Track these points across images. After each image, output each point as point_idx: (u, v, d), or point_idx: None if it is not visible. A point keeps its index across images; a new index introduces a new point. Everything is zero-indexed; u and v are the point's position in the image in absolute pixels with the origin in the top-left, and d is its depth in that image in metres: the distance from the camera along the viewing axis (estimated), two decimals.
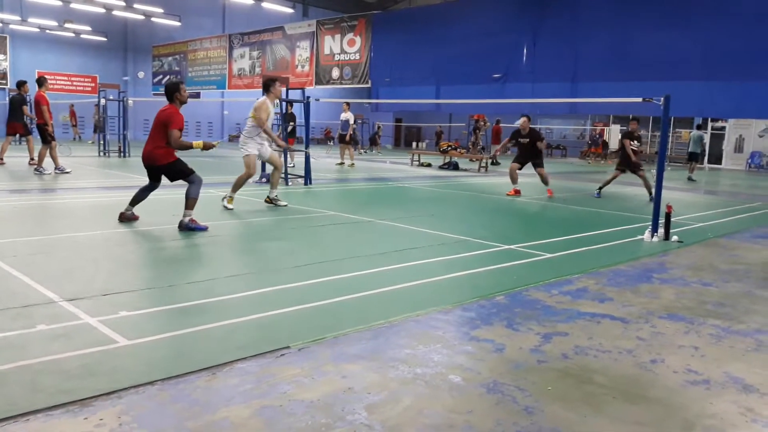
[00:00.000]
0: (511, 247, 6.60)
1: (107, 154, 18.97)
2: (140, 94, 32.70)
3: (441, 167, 20.17)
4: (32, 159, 13.23)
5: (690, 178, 18.58)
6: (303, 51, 23.54)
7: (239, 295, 4.39)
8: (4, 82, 31.87)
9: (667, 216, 7.34)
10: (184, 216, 6.94)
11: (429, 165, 21.05)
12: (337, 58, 22.10)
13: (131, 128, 19.96)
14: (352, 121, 19.56)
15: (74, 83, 33.18)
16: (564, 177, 18.27)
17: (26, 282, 4.46)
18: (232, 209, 8.53)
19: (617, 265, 5.93)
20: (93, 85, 32.81)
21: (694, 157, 19.48)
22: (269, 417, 2.59)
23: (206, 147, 7.21)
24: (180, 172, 7.18)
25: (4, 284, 4.41)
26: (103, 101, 19.27)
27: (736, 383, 3.15)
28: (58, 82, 32.47)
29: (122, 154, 19.23)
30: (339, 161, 20.01)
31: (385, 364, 3.22)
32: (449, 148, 21.20)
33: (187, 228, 6.86)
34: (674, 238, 7.30)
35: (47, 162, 13.16)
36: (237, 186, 8.86)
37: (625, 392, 2.99)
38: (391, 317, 3.97)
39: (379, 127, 35.18)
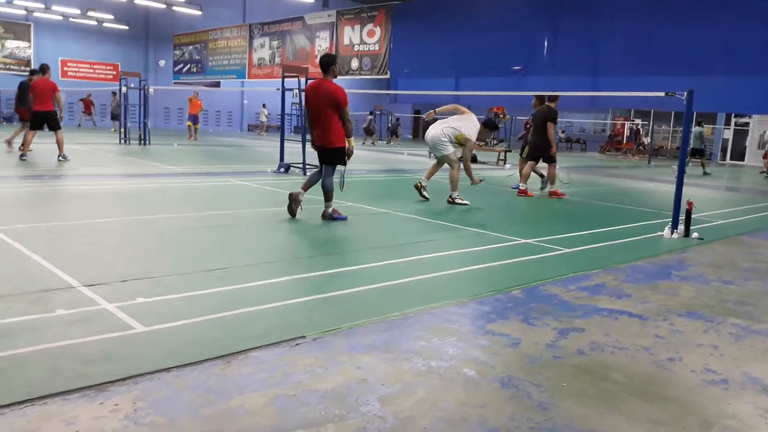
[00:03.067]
0: (528, 241, 6.55)
1: (128, 142, 19.14)
2: (161, 82, 32.95)
3: (459, 159, 20.06)
4: (60, 153, 13.20)
5: (705, 173, 18.45)
6: (323, 41, 23.51)
7: (255, 283, 4.41)
8: (28, 69, 32.22)
9: (688, 212, 7.24)
10: (327, 207, 7.20)
11: None
12: (356, 48, 22.06)
13: (152, 116, 20.07)
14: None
15: (96, 71, 33.49)
16: (583, 171, 18.10)
17: (46, 266, 4.51)
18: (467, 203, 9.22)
19: (636, 262, 5.87)
20: (114, 73, 33.06)
21: (699, 153, 19.27)
22: (283, 406, 2.60)
23: (349, 153, 7.23)
24: (343, 157, 7.17)
25: (24, 268, 4.47)
26: (124, 89, 19.41)
27: (756, 384, 3.10)
28: (80, 69, 32.84)
29: (143, 142, 19.39)
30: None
31: (400, 356, 3.21)
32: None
33: (331, 218, 7.15)
34: (694, 235, 7.20)
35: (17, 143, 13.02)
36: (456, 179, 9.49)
37: (642, 390, 2.96)
38: (406, 309, 3.96)
39: (397, 119, 35.05)
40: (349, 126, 7.11)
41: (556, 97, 11.15)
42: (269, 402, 2.63)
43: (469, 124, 9.42)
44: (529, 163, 11.21)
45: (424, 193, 9.43)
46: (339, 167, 7.33)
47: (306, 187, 7.33)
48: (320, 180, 7.24)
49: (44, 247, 5.12)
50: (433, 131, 9.47)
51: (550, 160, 10.98)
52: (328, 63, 7.14)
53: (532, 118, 11.31)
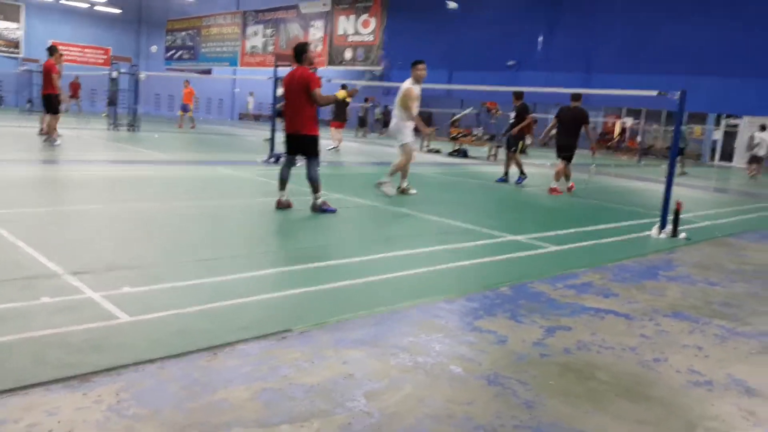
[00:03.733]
0: (518, 237, 6.56)
1: (117, 128, 18.98)
2: (152, 68, 32.66)
3: (450, 154, 20.08)
4: (42, 129, 13.12)
5: (684, 172, 18.59)
6: (317, 30, 23.41)
7: (243, 275, 4.39)
8: (17, 50, 31.90)
9: (676, 213, 7.27)
10: (316, 198, 7.09)
11: (438, 151, 20.96)
12: (350, 38, 21.98)
13: (142, 102, 19.92)
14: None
15: (87, 55, 33.19)
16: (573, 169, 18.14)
17: (31, 253, 4.47)
18: (393, 194, 8.70)
19: (623, 261, 5.89)
20: (105, 57, 32.79)
21: (680, 152, 19.36)
22: (269, 400, 2.58)
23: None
24: (316, 147, 7.11)
25: (9, 255, 4.42)
26: (114, 74, 19.23)
27: (739, 386, 3.12)
28: (71, 52, 32.48)
29: (132, 128, 19.23)
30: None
31: (387, 351, 3.21)
32: (459, 136, 21.08)
33: (321, 210, 7.05)
34: (682, 235, 7.24)
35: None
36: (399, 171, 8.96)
37: (628, 390, 2.97)
38: (394, 304, 3.96)
39: (386, 108, 34.77)
40: (325, 101, 7.00)
41: (580, 95, 11.11)
42: (254, 395, 2.62)
43: (400, 92, 8.92)
44: (562, 163, 11.17)
45: (411, 191, 9.25)
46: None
47: (282, 186, 7.19)
48: (305, 172, 7.12)
49: (30, 234, 5.06)
50: (392, 121, 9.24)
51: (569, 159, 11.10)
52: (300, 51, 7.08)
53: (560, 118, 11.27)
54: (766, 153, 19.06)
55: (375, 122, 34.58)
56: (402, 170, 9.04)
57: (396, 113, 8.87)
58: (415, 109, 8.77)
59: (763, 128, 19.35)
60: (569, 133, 11.06)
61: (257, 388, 2.68)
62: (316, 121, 7.11)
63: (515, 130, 12.27)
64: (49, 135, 12.93)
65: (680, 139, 19.27)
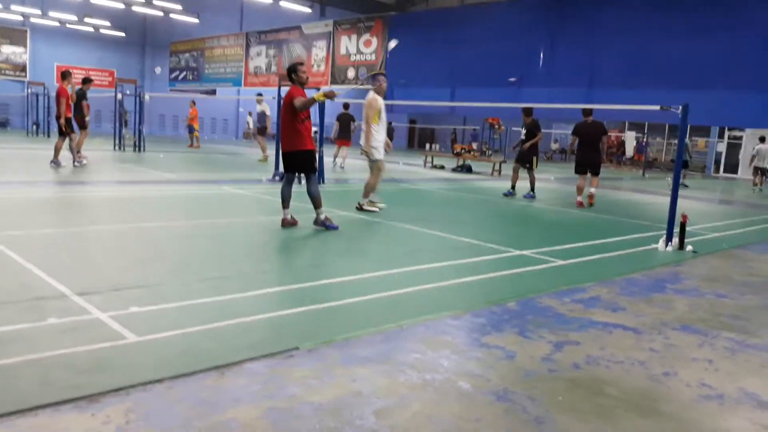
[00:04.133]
0: (523, 252, 6.55)
1: (123, 149, 19.09)
2: (157, 89, 32.94)
3: (454, 170, 20.12)
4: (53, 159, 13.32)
5: (683, 184, 18.57)
6: (319, 50, 23.59)
7: (250, 293, 4.39)
8: (23, 74, 32.21)
9: (682, 225, 7.26)
10: (318, 214, 7.16)
11: (442, 167, 21.01)
12: (353, 58, 22.13)
13: (147, 123, 20.05)
14: (268, 113, 18.56)
15: (92, 77, 33.47)
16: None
17: (38, 274, 4.48)
18: (378, 209, 8.82)
19: (630, 274, 5.87)
20: (110, 79, 33.08)
21: (684, 165, 19.44)
22: (277, 419, 2.57)
23: (327, 96, 7.13)
24: (312, 163, 7.23)
25: (16, 276, 4.44)
26: (120, 96, 19.38)
27: (751, 399, 3.10)
28: (76, 75, 32.76)
29: (137, 149, 19.35)
30: (261, 157, 18.62)
31: (395, 368, 3.19)
32: (463, 151, 21.13)
33: (323, 225, 7.14)
34: (689, 248, 7.22)
35: (64, 155, 13.29)
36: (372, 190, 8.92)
37: (637, 405, 2.95)
38: (401, 321, 3.95)
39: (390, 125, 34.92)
40: (300, 103, 6.90)
41: (591, 110, 11.41)
42: (263, 414, 2.61)
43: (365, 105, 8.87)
44: (583, 178, 11.54)
45: (380, 206, 9.07)
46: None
47: (285, 205, 7.24)
48: (306, 189, 7.20)
49: (37, 255, 5.08)
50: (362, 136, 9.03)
51: (598, 173, 11.54)
52: (290, 71, 7.24)
53: (579, 134, 11.48)
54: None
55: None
56: (373, 187, 8.96)
57: (363, 127, 8.87)
58: (377, 120, 8.67)
59: (762, 140, 19.44)
60: (592, 148, 11.38)
61: (265, 407, 2.67)
62: (308, 136, 7.15)
63: (527, 145, 12.40)
64: (55, 158, 13.07)
65: (686, 152, 19.40)
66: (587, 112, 11.29)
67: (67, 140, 13.32)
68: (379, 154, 8.80)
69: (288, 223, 7.16)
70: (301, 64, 7.40)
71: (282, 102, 7.26)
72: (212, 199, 9.66)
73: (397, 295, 4.62)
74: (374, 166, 8.83)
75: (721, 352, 3.81)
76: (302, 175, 7.42)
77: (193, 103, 24.50)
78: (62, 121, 13.10)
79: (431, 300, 4.58)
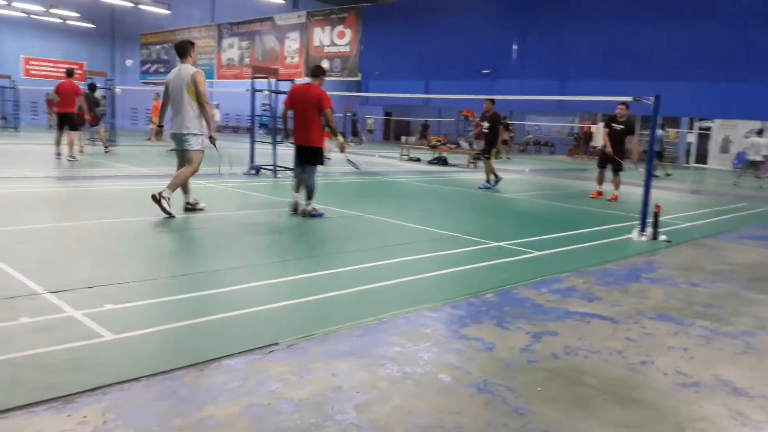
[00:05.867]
0: (500, 244, 6.58)
1: (94, 143, 18.74)
2: (128, 82, 32.36)
3: (430, 162, 20.15)
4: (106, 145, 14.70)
5: (657, 175, 18.83)
6: (293, 42, 23.37)
7: (227, 289, 4.34)
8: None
9: (656, 215, 7.36)
10: (307, 204, 7.60)
11: (418, 160, 21.02)
12: (327, 50, 21.97)
13: (118, 117, 19.67)
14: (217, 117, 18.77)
15: (60, 69, 32.73)
16: (551, 174, 18.31)
17: (8, 272, 4.38)
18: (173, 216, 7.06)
19: (606, 264, 5.94)
20: (80, 72, 32.41)
21: (658, 156, 19.65)
22: (257, 415, 2.55)
23: (341, 148, 7.88)
24: (320, 158, 7.70)
25: None
26: (87, 90, 18.97)
27: (726, 386, 3.15)
28: (43, 68, 32.10)
29: (110, 143, 18.99)
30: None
31: (375, 362, 3.19)
32: (438, 143, 21.16)
33: (310, 215, 7.54)
34: (662, 237, 7.32)
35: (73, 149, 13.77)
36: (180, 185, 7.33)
37: (615, 394, 2.98)
38: (380, 314, 3.94)
39: (354, 116, 34.65)
40: (334, 124, 7.61)
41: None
42: (242, 411, 2.58)
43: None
44: (616, 176, 11.54)
45: (201, 206, 7.67)
46: (349, 158, 8.15)
47: (297, 189, 7.75)
48: (304, 180, 7.61)
49: (8, 252, 4.96)
50: (177, 121, 7.28)
51: (620, 170, 11.51)
52: (316, 73, 7.71)
53: (612, 130, 11.48)
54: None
55: (368, 132, 34.72)
56: (186, 183, 7.48)
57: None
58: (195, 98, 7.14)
59: (760, 133, 19.04)
60: (618, 145, 11.42)
61: (245, 404, 2.64)
62: (322, 134, 7.69)
63: (498, 143, 12.91)
64: (71, 152, 13.58)
65: (659, 143, 19.51)
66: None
67: (64, 135, 13.74)
68: (200, 143, 7.35)
69: (297, 208, 7.72)
70: (325, 69, 7.98)
71: (307, 98, 7.46)
72: None
73: (376, 288, 4.61)
74: (197, 155, 7.34)
75: (695, 340, 3.87)
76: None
77: (157, 95, 24.13)
78: (87, 116, 14.20)
79: (410, 293, 4.58)
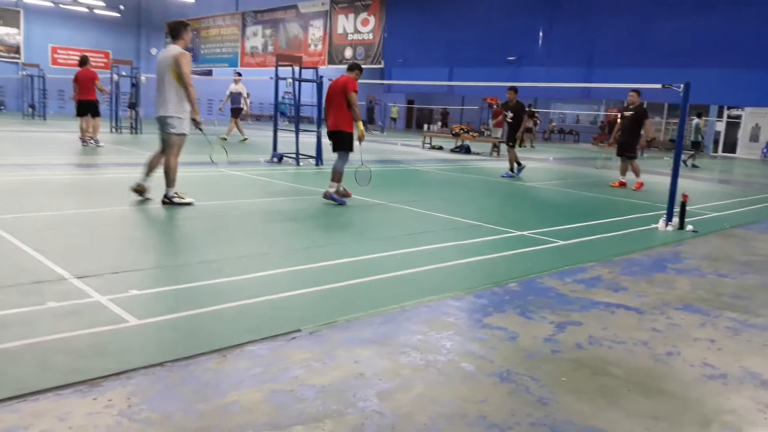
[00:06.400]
0: (524, 233, 6.53)
1: (119, 131, 18.95)
2: (152, 71, 32.60)
3: (453, 150, 20.04)
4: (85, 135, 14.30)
5: (694, 165, 18.49)
6: (316, 30, 23.35)
7: (250, 275, 4.36)
8: (18, 56, 31.87)
9: (682, 205, 7.23)
10: (330, 186, 7.78)
11: (441, 148, 20.92)
12: (350, 37, 21.90)
13: (143, 105, 19.86)
14: (245, 93, 18.58)
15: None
16: (576, 162, 18.10)
17: (36, 258, 4.45)
18: (190, 201, 7.05)
19: (631, 254, 5.85)
20: (106, 60, 32.73)
21: (696, 146, 19.37)
22: (280, 402, 2.56)
23: (360, 136, 7.95)
24: (350, 143, 7.86)
25: (14, 259, 4.40)
26: (115, 77, 19.19)
27: (754, 379, 3.09)
28: (70, 57, 32.48)
29: (134, 131, 19.21)
30: (242, 138, 18.34)
31: (397, 349, 3.18)
32: (461, 131, 21.04)
33: (330, 198, 7.70)
34: (689, 227, 7.20)
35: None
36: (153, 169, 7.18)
37: (641, 385, 2.94)
38: (403, 302, 3.93)
39: (371, 104, 34.52)
40: (356, 109, 7.79)
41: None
42: (265, 397, 2.59)
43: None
44: (624, 162, 11.58)
45: (187, 200, 7.11)
46: (362, 169, 8.20)
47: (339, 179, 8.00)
48: (334, 162, 7.89)
49: (35, 238, 5.04)
50: (159, 103, 7.07)
51: (634, 157, 11.51)
52: (351, 67, 8.02)
53: (622, 117, 11.51)
54: None
55: (392, 120, 34.69)
56: (156, 165, 7.25)
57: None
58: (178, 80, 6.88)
59: None
60: (628, 132, 11.35)
61: (268, 390, 2.65)
62: (352, 120, 7.83)
63: (520, 132, 12.88)
64: (93, 137, 14.15)
65: (696, 133, 19.17)
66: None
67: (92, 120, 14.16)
68: (182, 127, 7.03)
69: (340, 195, 7.92)
70: (361, 66, 8.15)
71: (338, 88, 7.74)
72: (211, 181, 9.60)
73: (398, 276, 4.60)
74: (178, 140, 7.06)
75: (723, 331, 3.80)
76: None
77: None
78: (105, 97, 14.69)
79: (433, 281, 4.56)
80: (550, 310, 3.99)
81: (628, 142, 11.33)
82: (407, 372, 2.92)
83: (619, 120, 11.68)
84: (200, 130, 7.24)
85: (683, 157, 19.03)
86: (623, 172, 11.64)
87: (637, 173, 11.40)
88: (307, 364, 2.93)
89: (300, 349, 3.10)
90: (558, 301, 4.20)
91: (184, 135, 7.05)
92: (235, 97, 18.55)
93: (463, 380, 2.88)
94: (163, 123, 7.01)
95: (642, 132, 11.22)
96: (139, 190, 7.19)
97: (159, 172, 7.11)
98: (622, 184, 11.54)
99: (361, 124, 7.86)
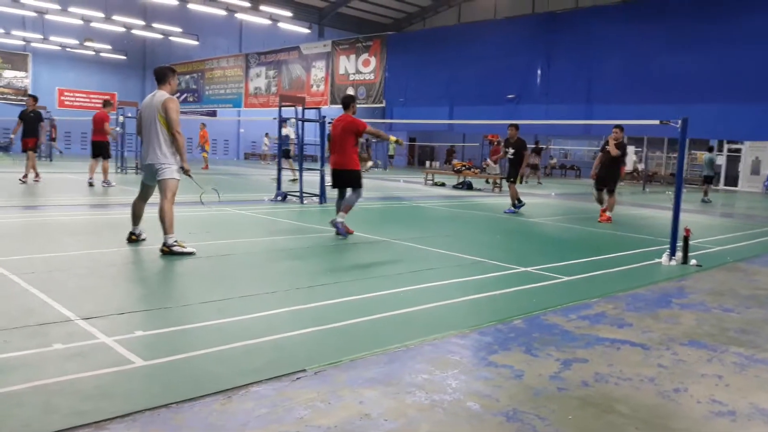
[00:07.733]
0: (528, 269, 6.53)
1: (125, 171, 19.13)
2: None
3: (455, 187, 20.15)
4: (25, 176, 14.41)
5: (704, 200, 18.51)
6: (318, 71, 23.74)
7: (254, 315, 4.37)
8: (25, 98, 32.34)
9: (685, 239, 7.25)
10: (339, 216, 8.12)
11: (443, 184, 21.04)
12: (352, 77, 22.26)
13: None
14: (292, 136, 18.01)
15: (93, 100, 33.62)
16: (577, 198, 18.15)
17: (43, 299, 4.47)
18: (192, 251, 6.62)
19: (635, 290, 5.85)
20: (112, 102, 33.20)
21: (708, 180, 19.47)
22: None
23: (399, 142, 8.94)
24: (359, 180, 8.34)
25: (21, 301, 4.42)
26: (121, 119, 19.47)
27: (763, 415, 3.07)
28: (77, 99, 32.98)
29: (139, 171, 19.38)
30: (291, 177, 17.97)
31: (402, 389, 3.17)
32: (463, 168, 21.18)
33: (335, 226, 8.09)
34: (693, 261, 7.20)
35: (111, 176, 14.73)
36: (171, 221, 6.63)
37: (648, 422, 2.92)
38: (407, 341, 3.93)
39: (366, 141, 34.68)
40: (380, 133, 8.94)
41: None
42: None
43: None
44: (609, 195, 11.69)
45: (143, 236, 7.14)
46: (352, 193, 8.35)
47: (338, 211, 8.29)
48: (347, 197, 8.30)
49: (42, 279, 5.07)
50: (147, 151, 6.78)
51: (613, 191, 11.68)
52: (346, 102, 8.50)
53: (603, 151, 11.71)
54: None
55: (389, 158, 35.01)
56: (141, 213, 7.11)
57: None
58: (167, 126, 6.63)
59: None
60: (607, 165, 11.54)
61: (274, 431, 2.64)
62: (357, 158, 8.42)
63: (522, 168, 13.15)
64: (104, 179, 14.45)
65: (708, 167, 19.27)
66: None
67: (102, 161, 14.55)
68: (174, 171, 6.74)
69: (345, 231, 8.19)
70: (355, 97, 8.56)
71: (341, 127, 8.26)
72: (214, 220, 9.65)
73: (402, 314, 4.60)
74: (172, 185, 6.71)
75: (730, 367, 3.78)
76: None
77: (203, 125, 24.69)
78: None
79: (437, 319, 4.56)
80: (555, 347, 3.98)
81: (607, 175, 11.50)
82: (413, 412, 2.91)
83: (600, 154, 11.84)
84: (190, 177, 6.90)
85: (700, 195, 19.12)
86: (601, 202, 11.75)
87: (611, 207, 11.53)
88: (313, 405, 2.92)
89: (305, 390, 3.10)
90: (563, 338, 4.19)
91: (176, 180, 6.72)
92: (285, 140, 18.75)
93: (469, 420, 2.87)
94: (152, 170, 6.69)
95: (622, 165, 11.65)
96: (134, 239, 7.06)
97: (148, 214, 7.08)
98: (605, 215, 11.55)
99: (392, 137, 8.63)
